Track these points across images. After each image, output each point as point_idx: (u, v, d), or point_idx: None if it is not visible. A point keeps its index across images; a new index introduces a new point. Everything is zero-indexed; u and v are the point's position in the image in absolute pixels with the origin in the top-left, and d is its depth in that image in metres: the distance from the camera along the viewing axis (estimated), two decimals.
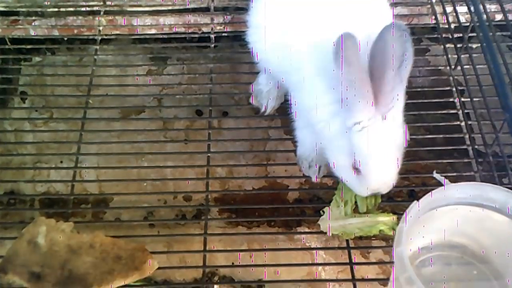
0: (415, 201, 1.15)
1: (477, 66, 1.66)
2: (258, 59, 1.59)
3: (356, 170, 1.28)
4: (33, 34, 2.00)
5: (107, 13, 2.02)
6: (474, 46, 1.85)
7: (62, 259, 1.33)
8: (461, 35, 1.81)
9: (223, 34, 2.00)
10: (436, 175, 1.38)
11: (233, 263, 1.61)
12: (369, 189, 1.30)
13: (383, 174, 1.27)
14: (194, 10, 2.04)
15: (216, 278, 1.61)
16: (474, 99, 1.67)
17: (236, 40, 1.96)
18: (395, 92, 1.19)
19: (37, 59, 2.08)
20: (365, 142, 1.22)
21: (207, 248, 1.49)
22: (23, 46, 1.98)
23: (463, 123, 1.70)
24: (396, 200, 1.68)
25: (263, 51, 1.53)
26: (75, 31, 2.01)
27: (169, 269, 1.56)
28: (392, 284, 1.21)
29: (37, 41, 2.03)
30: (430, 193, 1.17)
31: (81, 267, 1.32)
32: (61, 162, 1.82)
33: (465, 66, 1.74)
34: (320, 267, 1.62)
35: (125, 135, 1.81)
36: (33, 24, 2.00)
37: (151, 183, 1.76)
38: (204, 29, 2.01)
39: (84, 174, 1.77)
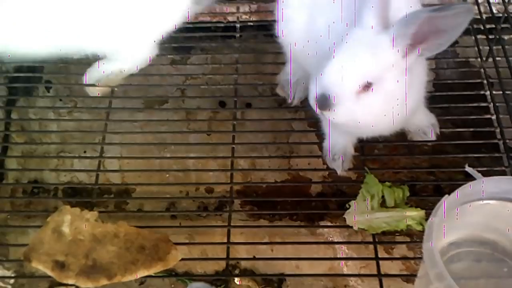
0: (447, 195, 1.12)
1: (510, 58, 1.62)
2: (286, 50, 1.57)
3: None
4: None
5: None
6: (506, 37, 1.81)
7: (86, 248, 1.34)
8: (493, 26, 1.76)
9: (249, 24, 1.97)
10: (468, 169, 1.34)
11: (254, 256, 1.59)
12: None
13: (334, 76, 1.22)
14: None
15: (237, 271, 1.60)
16: (506, 92, 1.63)
17: (261, 30, 1.94)
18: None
19: None
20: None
21: (229, 241, 1.47)
22: None
23: (494, 117, 1.65)
24: (422, 195, 1.65)
25: (292, 42, 1.51)
26: None
27: (190, 261, 1.56)
28: (420, 280, 1.18)
29: None
30: (462, 187, 1.14)
31: (105, 257, 1.32)
32: (85, 151, 1.82)
33: (497, 58, 1.70)
34: (342, 262, 1.60)
35: (149, 125, 1.81)
36: None
37: (174, 174, 1.75)
38: (230, 18, 1.99)
39: (107, 164, 1.76)
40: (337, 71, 1.22)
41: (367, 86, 1.22)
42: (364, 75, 1.21)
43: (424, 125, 1.62)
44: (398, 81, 1.24)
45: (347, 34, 1.24)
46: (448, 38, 1.19)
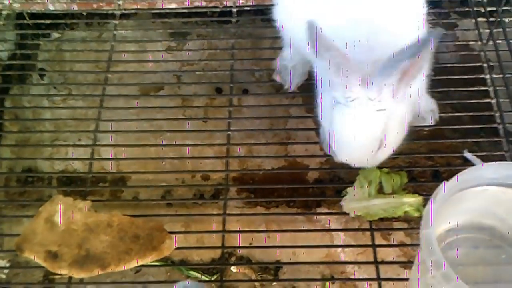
0: (444, 181, 1.10)
1: (511, 41, 1.59)
2: (284, 35, 1.55)
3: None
4: (51, 9, 1.98)
5: None
6: (507, 20, 1.77)
7: (79, 238, 1.32)
8: (494, 8, 1.73)
9: (245, 9, 1.94)
10: (467, 154, 1.32)
11: (250, 244, 1.58)
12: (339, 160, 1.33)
13: (348, 151, 1.28)
14: None
15: (233, 259, 1.59)
16: (507, 76, 1.60)
17: (258, 14, 1.91)
18: (389, 82, 1.17)
19: (55, 34, 2.05)
20: (338, 117, 1.23)
21: (225, 229, 1.46)
22: (42, 21, 1.95)
23: (493, 101, 1.62)
24: (420, 181, 1.64)
25: (290, 28, 1.49)
26: (94, 6, 1.98)
27: (186, 249, 1.54)
28: (417, 267, 1.16)
29: (56, 16, 2.00)
30: (461, 172, 1.11)
31: (98, 247, 1.31)
32: (79, 140, 1.80)
33: (497, 41, 1.67)
34: (339, 249, 1.59)
35: (144, 112, 1.79)
36: None
37: (170, 162, 1.73)
38: (226, 3, 1.96)
39: (102, 152, 1.74)
40: (350, 150, 1.27)
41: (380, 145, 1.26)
42: (374, 143, 1.25)
43: (424, 110, 1.59)
44: (398, 118, 1.26)
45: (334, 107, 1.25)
46: (423, 66, 1.19)
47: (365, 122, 1.21)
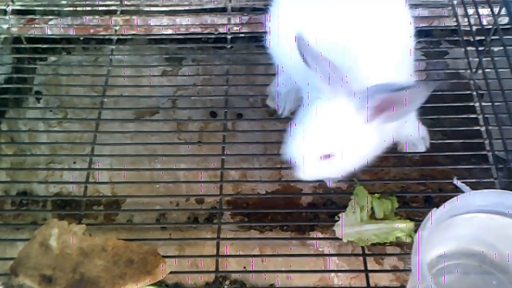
0: (435, 208, 1.12)
1: (499, 70, 1.63)
2: (276, 62, 1.59)
3: None
4: (49, 33, 2.00)
5: (123, 12, 2.02)
6: (496, 49, 1.81)
7: (73, 262, 1.33)
8: (483, 37, 1.77)
9: (240, 35, 1.98)
10: (456, 181, 1.35)
11: (245, 268, 1.59)
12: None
13: (297, 144, 1.30)
14: (211, 10, 2.03)
15: (227, 283, 1.59)
16: (495, 104, 1.63)
17: (252, 41, 1.94)
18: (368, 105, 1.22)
19: (52, 58, 2.08)
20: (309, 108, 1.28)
21: (219, 253, 1.47)
22: (39, 46, 1.98)
23: (483, 128, 1.66)
24: (412, 206, 1.65)
25: (281, 55, 1.53)
26: (91, 31, 2.01)
27: (180, 273, 1.54)
28: None
29: (53, 41, 2.03)
30: (450, 200, 1.14)
31: (93, 271, 1.31)
32: (74, 163, 1.81)
33: (486, 70, 1.70)
34: (332, 273, 1.59)
35: (139, 136, 1.80)
36: (49, 23, 2.00)
37: (164, 185, 1.74)
38: (221, 30, 1.99)
39: (97, 175, 1.75)
40: (299, 144, 1.29)
41: (328, 156, 1.28)
42: (324, 148, 1.28)
43: (415, 137, 1.62)
44: (360, 144, 1.30)
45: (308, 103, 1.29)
46: (407, 110, 1.24)
47: (328, 120, 1.26)
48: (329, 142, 1.27)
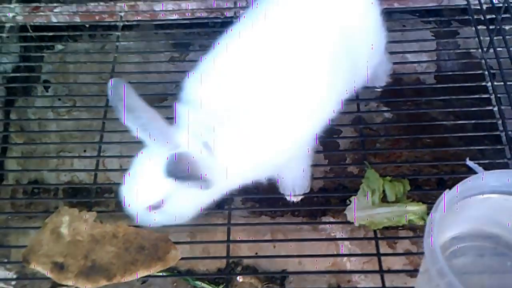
0: (448, 190, 1.10)
1: (511, 48, 1.60)
2: None
3: None
4: (54, 21, 2.00)
5: None
6: (507, 27, 1.78)
7: (85, 249, 1.33)
8: (493, 16, 1.74)
9: None
10: (469, 162, 1.32)
11: (256, 253, 1.58)
12: None
13: (127, 196, 1.23)
14: None
15: (239, 268, 1.59)
16: (508, 83, 1.60)
17: None
18: None
19: (59, 46, 2.07)
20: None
21: (230, 238, 1.46)
22: (45, 34, 1.97)
23: (495, 108, 1.63)
24: (424, 189, 1.64)
25: None
26: (97, 18, 2.00)
27: (192, 259, 1.54)
28: (422, 275, 1.17)
29: (59, 29, 2.02)
30: (462, 181, 1.12)
31: (104, 257, 1.31)
32: (85, 151, 1.81)
33: (498, 49, 1.67)
34: (345, 258, 1.58)
35: None
36: (54, 10, 1.99)
37: None
38: (227, 14, 1.96)
39: (107, 163, 1.75)
40: (128, 193, 1.22)
41: (157, 206, 1.21)
42: (149, 199, 1.21)
43: (382, 70, 1.65)
44: (187, 196, 1.23)
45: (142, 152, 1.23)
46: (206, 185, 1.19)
47: (152, 171, 1.19)
48: (153, 193, 1.20)
